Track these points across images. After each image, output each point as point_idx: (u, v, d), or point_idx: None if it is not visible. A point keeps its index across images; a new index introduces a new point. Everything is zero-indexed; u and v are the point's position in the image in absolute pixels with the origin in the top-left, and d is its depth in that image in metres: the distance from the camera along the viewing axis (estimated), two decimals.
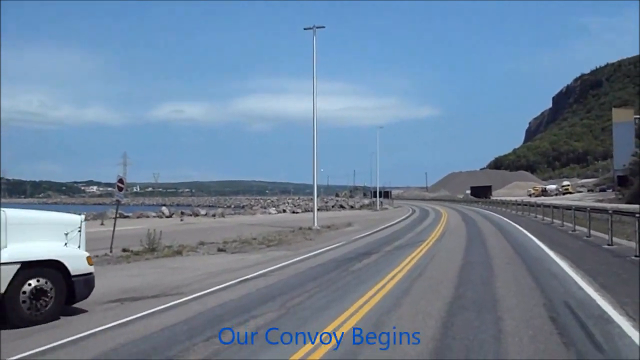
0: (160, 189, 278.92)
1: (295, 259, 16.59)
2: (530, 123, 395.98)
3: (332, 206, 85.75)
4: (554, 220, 30.65)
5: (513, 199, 74.15)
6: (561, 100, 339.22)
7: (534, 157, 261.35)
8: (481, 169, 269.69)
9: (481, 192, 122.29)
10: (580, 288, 9.92)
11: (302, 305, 9.40)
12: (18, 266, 8.35)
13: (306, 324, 7.87)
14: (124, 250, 18.67)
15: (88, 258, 9.47)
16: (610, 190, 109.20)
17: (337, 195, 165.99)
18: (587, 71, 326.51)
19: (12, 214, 8.83)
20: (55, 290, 8.76)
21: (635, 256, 13.86)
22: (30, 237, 8.89)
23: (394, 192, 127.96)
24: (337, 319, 8.01)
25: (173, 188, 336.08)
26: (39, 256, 8.74)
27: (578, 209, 27.40)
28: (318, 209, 37.06)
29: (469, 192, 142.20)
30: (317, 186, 38.26)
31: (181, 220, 50.45)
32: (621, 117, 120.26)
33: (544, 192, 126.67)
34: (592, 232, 20.61)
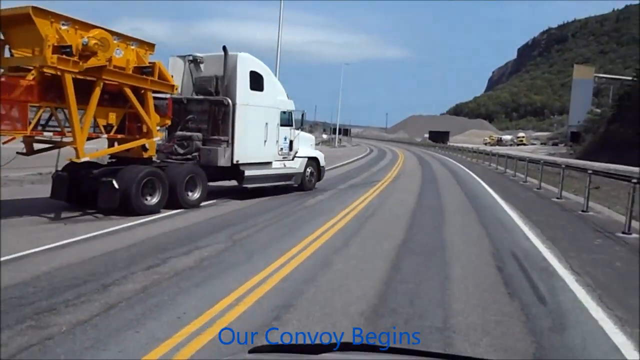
0: None
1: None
2: (493, 72, 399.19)
3: None
4: (507, 170, 31.24)
5: (469, 146, 75.37)
6: (526, 52, 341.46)
7: (494, 107, 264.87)
8: (441, 114, 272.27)
9: (439, 137, 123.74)
10: (528, 239, 10.05)
11: (250, 238, 9.22)
12: (306, 159, 16.61)
13: (252, 258, 7.69)
14: None
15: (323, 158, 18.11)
16: (563, 145, 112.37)
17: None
18: (554, 25, 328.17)
19: (301, 134, 16.73)
20: (315, 173, 17.28)
21: (582, 211, 14.18)
22: (303, 146, 16.79)
23: (354, 131, 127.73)
24: (285, 255, 7.86)
25: None
26: (310, 154, 17.08)
27: (531, 160, 27.91)
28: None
29: (427, 136, 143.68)
30: None
31: None
32: (581, 74, 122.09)
33: (500, 142, 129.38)
34: (542, 184, 21.03)
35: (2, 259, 6.95)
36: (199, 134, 13.64)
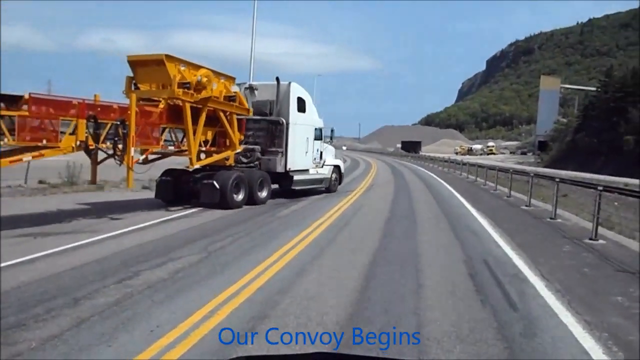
0: None
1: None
2: (463, 83, 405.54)
3: None
4: (478, 179, 31.69)
5: (441, 155, 76.23)
6: (495, 63, 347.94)
7: (464, 117, 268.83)
8: (413, 125, 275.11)
9: (411, 147, 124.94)
10: (499, 246, 10.21)
11: (224, 249, 9.16)
12: (332, 167, 20.48)
13: (227, 269, 7.66)
14: (40, 182, 17.62)
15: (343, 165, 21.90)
16: (531, 154, 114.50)
17: None
18: (521, 37, 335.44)
19: (327, 146, 20.58)
20: (337, 177, 21.15)
21: (551, 218, 14.48)
22: (329, 156, 20.63)
23: None
24: (259, 265, 7.83)
25: None
26: (334, 163, 20.98)
27: (501, 169, 28.40)
28: None
29: (399, 145, 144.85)
30: None
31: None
32: (548, 84, 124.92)
33: (470, 151, 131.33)
34: (512, 192, 21.41)
35: None
36: (259, 147, 17.15)
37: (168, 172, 15.22)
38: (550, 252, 9.85)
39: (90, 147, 11.65)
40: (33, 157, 10.76)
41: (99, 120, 11.56)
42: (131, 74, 13.36)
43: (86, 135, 11.32)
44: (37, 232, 10.11)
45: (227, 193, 14.27)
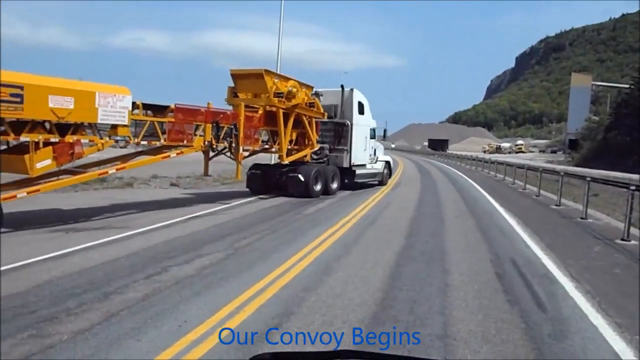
0: None
1: (250, 199, 16.36)
2: (492, 81, 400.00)
3: None
4: (506, 178, 31.26)
5: (468, 154, 75.41)
6: (524, 60, 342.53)
7: (492, 115, 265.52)
8: (440, 122, 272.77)
9: (438, 145, 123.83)
10: (527, 246, 10.07)
11: (251, 246, 9.23)
12: (384, 162, 23.27)
13: (253, 266, 7.72)
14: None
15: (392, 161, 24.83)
16: (561, 152, 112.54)
17: None
18: (552, 34, 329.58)
19: (379, 144, 23.45)
20: (389, 173, 24.44)
21: (581, 218, 14.22)
22: (380, 153, 23.09)
23: None
24: (285, 263, 7.88)
25: None
26: (385, 159, 23.69)
27: (530, 168, 27.94)
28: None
29: (426, 144, 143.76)
30: None
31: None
32: (579, 82, 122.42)
33: (498, 150, 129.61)
34: (541, 191, 21.07)
35: (2, 268, 6.98)
36: (327, 145, 19.96)
37: (256, 166, 18.49)
38: (580, 253, 9.68)
39: (213, 146, 14.54)
40: (177, 154, 13.32)
41: (220, 125, 14.24)
42: (232, 85, 16.44)
43: (211, 136, 14.03)
44: (69, 228, 10.33)
45: (309, 185, 17.12)
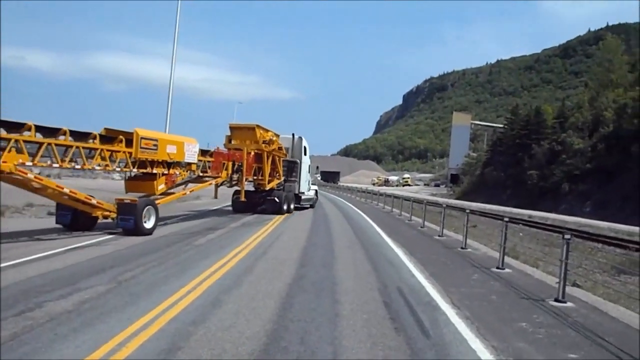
0: None
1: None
2: (381, 116, 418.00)
3: None
4: (394, 209, 32.53)
5: (358, 186, 77.73)
6: (411, 98, 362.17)
7: (381, 149, 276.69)
8: (332, 155, 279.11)
9: (330, 177, 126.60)
10: (413, 275, 10.48)
11: (135, 279, 8.80)
12: (314, 191, 32.82)
13: (138, 300, 7.35)
14: None
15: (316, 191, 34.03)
16: (444, 185, 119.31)
17: None
18: (436, 75, 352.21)
19: (311, 179, 32.40)
20: (316, 199, 33.36)
21: (462, 248, 15.07)
22: (312, 184, 32.46)
23: None
24: (173, 295, 7.59)
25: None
26: (315, 188, 33.40)
27: (415, 201, 29.38)
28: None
29: (318, 176, 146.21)
30: None
31: None
32: (460, 120, 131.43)
33: (387, 182, 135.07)
34: (426, 222, 22.14)
35: None
36: (283, 177, 26.50)
37: (238, 192, 23.50)
38: (460, 281, 10.22)
39: (232, 177, 22.09)
40: (215, 182, 21.47)
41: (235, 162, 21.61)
42: (228, 134, 23.79)
43: (231, 170, 21.41)
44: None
45: (282, 205, 24.57)
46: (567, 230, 11.64)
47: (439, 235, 18.29)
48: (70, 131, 12.65)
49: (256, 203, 24.26)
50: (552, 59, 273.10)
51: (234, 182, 22.46)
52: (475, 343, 6.18)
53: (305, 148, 28.20)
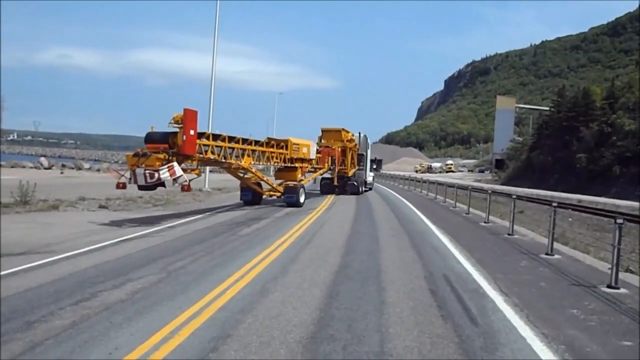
0: (41, 139, 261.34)
1: (182, 220, 16.03)
2: (422, 102, 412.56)
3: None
4: (437, 196, 32.19)
5: (401, 173, 77.15)
6: (452, 83, 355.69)
7: (423, 136, 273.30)
8: (374, 143, 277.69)
9: (372, 165, 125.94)
10: (459, 262, 10.37)
11: (185, 269, 9.01)
12: (373, 176, 42.30)
13: (188, 289, 7.53)
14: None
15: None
16: (488, 171, 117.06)
17: None
18: (478, 58, 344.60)
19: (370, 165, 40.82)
20: (373, 184, 43.13)
21: (508, 234, 14.81)
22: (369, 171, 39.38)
23: None
24: (221, 284, 7.74)
25: (55, 138, 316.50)
26: (372, 175, 41.46)
27: (460, 187, 28.96)
28: (210, 170, 36.26)
29: None
30: None
31: (61, 172, 47.35)
32: (504, 104, 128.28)
33: (429, 169, 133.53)
34: (471, 209, 21.83)
35: None
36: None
37: (326, 178, 32.95)
38: (508, 268, 10.06)
39: (332, 168, 31.16)
40: (321, 173, 30.66)
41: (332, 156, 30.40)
42: (320, 134, 32.73)
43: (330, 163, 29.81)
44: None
45: (359, 187, 33.18)
46: (619, 215, 11.29)
47: (484, 222, 18.01)
48: (243, 139, 19.37)
49: (339, 186, 32.45)
50: (600, 38, 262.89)
51: (330, 170, 30.94)
52: (525, 330, 6.08)
53: (367, 143, 36.51)
